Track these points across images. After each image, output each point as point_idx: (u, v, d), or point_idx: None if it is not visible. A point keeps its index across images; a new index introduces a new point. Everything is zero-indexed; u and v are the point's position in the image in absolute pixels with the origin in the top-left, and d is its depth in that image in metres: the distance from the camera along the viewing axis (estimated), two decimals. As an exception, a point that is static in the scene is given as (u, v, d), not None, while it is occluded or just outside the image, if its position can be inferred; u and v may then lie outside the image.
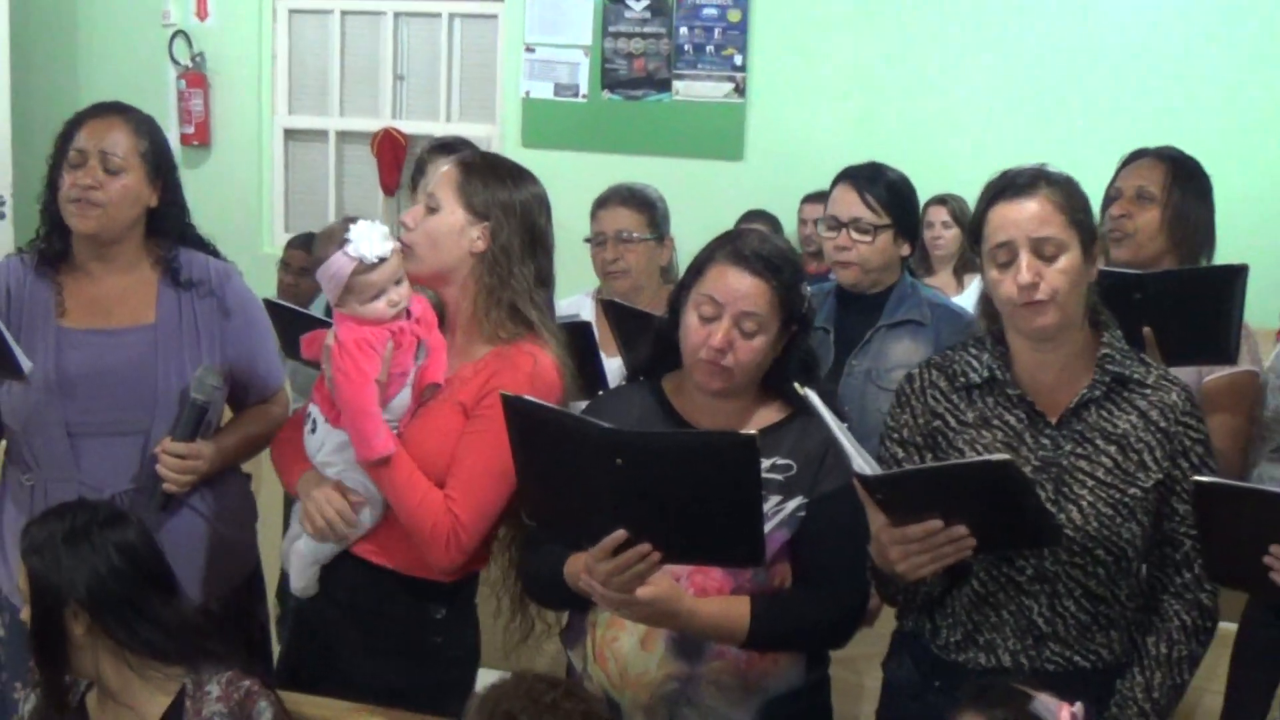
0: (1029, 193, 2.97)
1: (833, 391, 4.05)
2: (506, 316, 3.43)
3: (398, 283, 3.38)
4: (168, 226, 3.76)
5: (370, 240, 3.32)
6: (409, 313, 3.42)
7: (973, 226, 3.11)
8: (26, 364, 3.43)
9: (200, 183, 10.35)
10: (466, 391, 3.38)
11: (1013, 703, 2.68)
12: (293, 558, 3.51)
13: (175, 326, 3.70)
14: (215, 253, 3.87)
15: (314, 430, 3.47)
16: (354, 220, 3.38)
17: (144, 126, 3.70)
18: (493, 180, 3.47)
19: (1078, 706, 2.68)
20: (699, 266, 3.18)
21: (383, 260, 3.33)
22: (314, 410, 3.49)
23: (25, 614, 3.13)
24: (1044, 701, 2.68)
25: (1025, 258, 2.92)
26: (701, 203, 7.57)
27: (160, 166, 3.70)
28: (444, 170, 3.54)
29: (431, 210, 3.44)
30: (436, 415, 3.38)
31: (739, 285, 3.08)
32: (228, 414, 3.93)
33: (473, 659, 3.64)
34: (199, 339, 3.72)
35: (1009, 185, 3.01)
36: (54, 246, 3.71)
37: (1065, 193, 2.98)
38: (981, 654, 3.08)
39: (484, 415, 3.31)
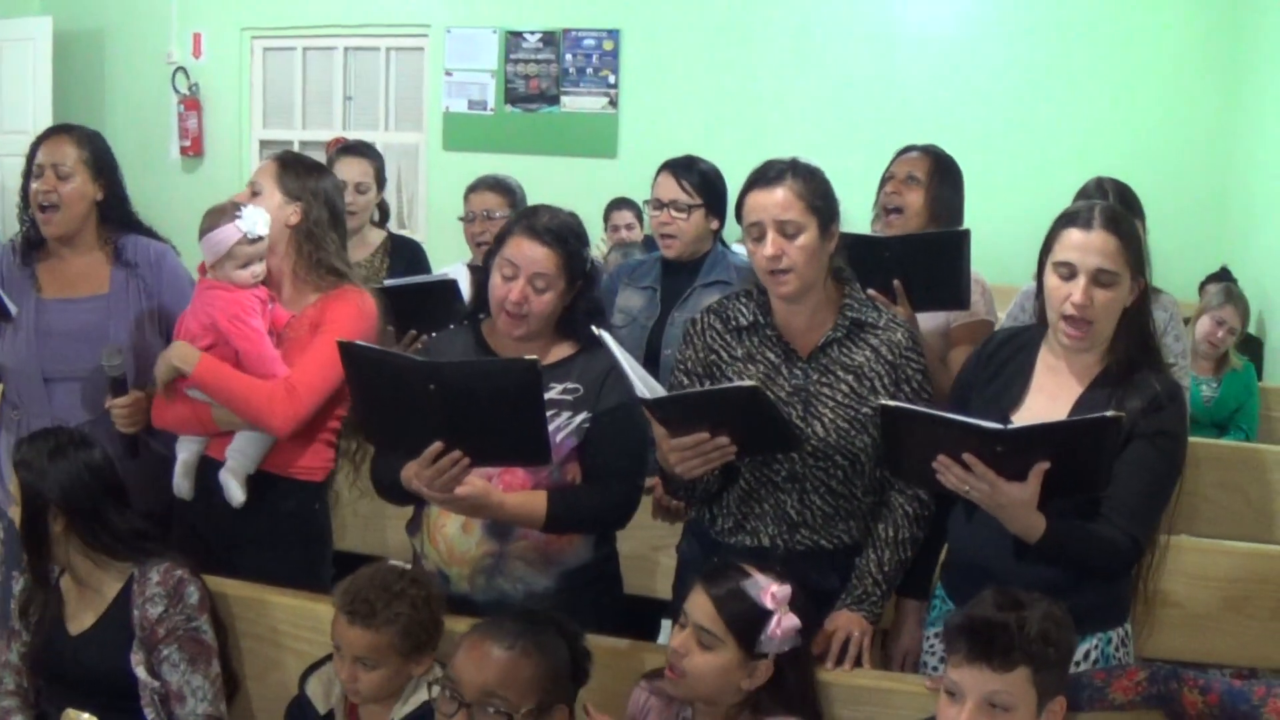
0: (776, 182, 2.93)
1: (659, 335, 4.18)
2: (325, 271, 3.48)
3: (260, 260, 3.41)
4: (113, 215, 3.74)
5: (256, 220, 3.35)
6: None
7: (735, 208, 3.07)
8: (13, 307, 3.48)
9: (195, 185, 10.38)
10: (309, 326, 3.42)
11: (731, 580, 2.68)
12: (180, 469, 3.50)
13: (123, 295, 3.68)
14: (154, 235, 3.83)
15: None
16: (240, 205, 3.39)
17: (85, 139, 3.68)
18: (303, 171, 3.52)
19: (782, 589, 2.66)
20: (502, 236, 3.14)
21: (260, 239, 3.37)
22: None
23: (15, 513, 3.14)
24: (755, 579, 2.67)
25: (770, 235, 2.91)
26: (584, 192, 7.36)
27: (101, 168, 3.67)
28: (264, 164, 3.58)
29: (255, 194, 3.48)
30: (293, 352, 3.40)
31: (532, 253, 3.04)
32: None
33: (330, 542, 3.69)
34: (141, 304, 3.70)
35: (761, 176, 2.98)
36: (31, 237, 3.71)
37: (807, 183, 2.94)
38: (748, 537, 3.06)
39: (320, 332, 3.36)
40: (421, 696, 2.85)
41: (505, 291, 3.06)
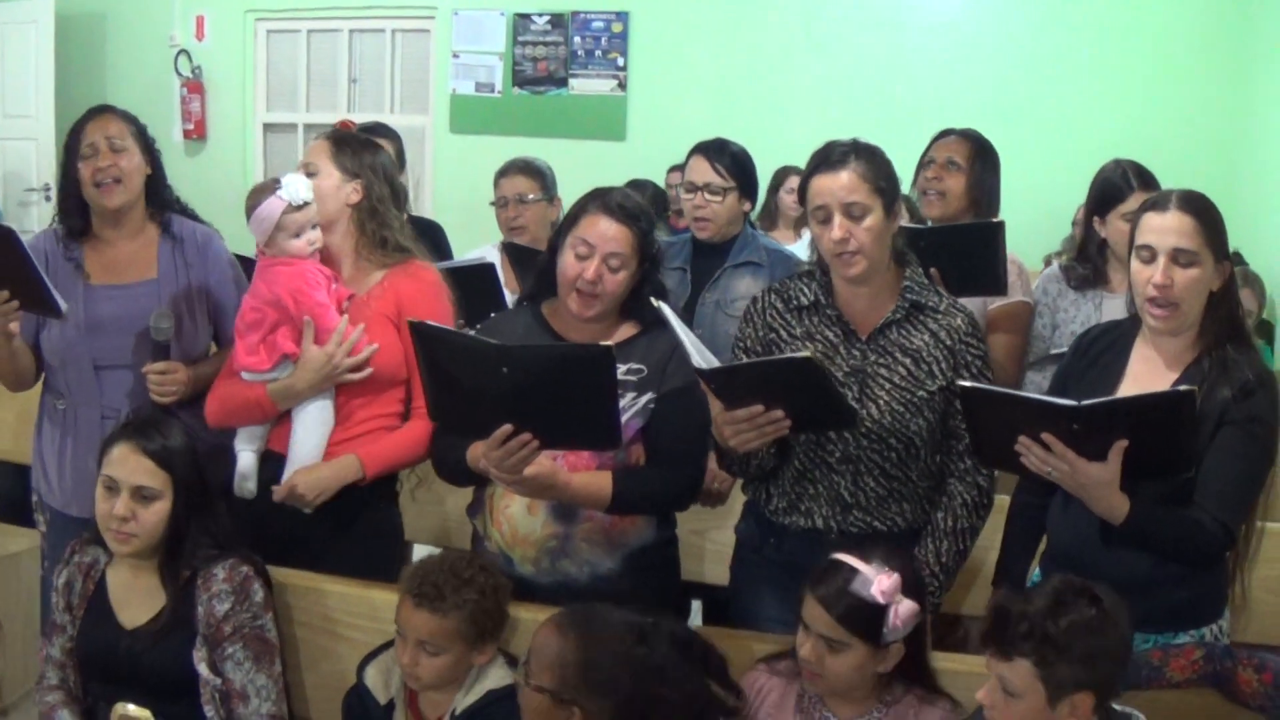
0: (841, 165, 2.91)
1: (689, 316, 4.08)
2: (390, 248, 3.42)
3: (313, 226, 3.32)
4: (159, 192, 3.70)
5: (297, 187, 3.28)
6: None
7: (800, 190, 3.05)
8: (64, 304, 3.39)
9: (199, 168, 10.31)
10: (385, 303, 3.35)
11: (838, 581, 2.61)
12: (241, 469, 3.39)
13: (173, 280, 3.63)
14: (197, 218, 3.81)
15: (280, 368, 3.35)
16: (279, 177, 3.32)
17: (128, 116, 3.65)
18: (358, 147, 3.46)
19: (890, 579, 2.59)
20: (574, 215, 3.11)
21: (307, 204, 3.29)
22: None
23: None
24: (863, 576, 2.61)
25: (838, 219, 2.89)
26: (592, 175, 7.11)
27: (148, 143, 3.65)
28: (315, 143, 3.50)
29: (310, 174, 3.39)
30: (371, 328, 3.32)
31: (607, 230, 3.03)
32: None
33: (401, 535, 3.64)
34: (190, 289, 3.65)
35: (825, 159, 2.95)
36: (75, 223, 3.65)
37: (871, 164, 2.92)
38: (802, 518, 3.04)
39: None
40: (484, 686, 2.81)
41: (579, 270, 3.03)
